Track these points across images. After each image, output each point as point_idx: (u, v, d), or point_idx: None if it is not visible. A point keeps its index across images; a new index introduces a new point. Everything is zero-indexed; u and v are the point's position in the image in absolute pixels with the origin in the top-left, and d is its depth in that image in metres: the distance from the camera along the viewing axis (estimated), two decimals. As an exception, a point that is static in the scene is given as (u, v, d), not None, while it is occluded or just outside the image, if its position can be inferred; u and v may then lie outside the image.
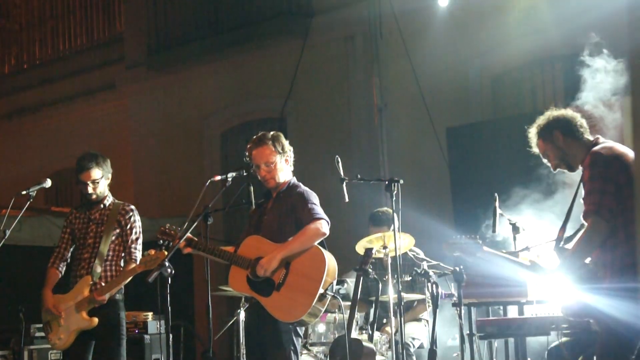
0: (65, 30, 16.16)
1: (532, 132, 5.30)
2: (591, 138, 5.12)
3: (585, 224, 4.89)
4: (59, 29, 16.25)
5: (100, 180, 6.57)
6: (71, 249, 6.73)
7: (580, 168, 5.08)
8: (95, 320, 6.34)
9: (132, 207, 6.70)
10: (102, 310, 6.38)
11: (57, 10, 16.27)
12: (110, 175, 6.67)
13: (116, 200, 6.71)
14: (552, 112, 5.26)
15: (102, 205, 6.64)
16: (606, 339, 4.80)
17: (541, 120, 5.26)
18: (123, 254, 6.59)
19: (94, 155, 6.60)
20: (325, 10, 11.92)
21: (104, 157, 6.65)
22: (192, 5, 13.23)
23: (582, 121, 5.18)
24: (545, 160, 5.29)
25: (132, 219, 6.62)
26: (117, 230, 6.57)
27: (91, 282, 6.39)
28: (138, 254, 6.55)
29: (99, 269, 6.44)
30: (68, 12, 16.09)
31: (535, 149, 5.33)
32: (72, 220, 6.74)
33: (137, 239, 6.61)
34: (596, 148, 4.96)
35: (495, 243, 7.73)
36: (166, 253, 5.81)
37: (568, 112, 5.23)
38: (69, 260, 6.73)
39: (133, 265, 6.38)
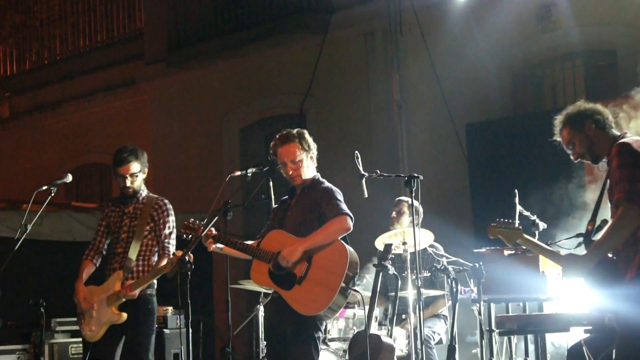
0: (85, 27, 16.23)
1: (559, 120, 5.24)
2: (618, 133, 5.10)
3: (610, 220, 4.86)
4: (80, 25, 16.32)
5: (138, 174, 6.56)
6: (107, 242, 6.72)
7: (604, 160, 5.06)
8: (124, 315, 6.34)
9: (166, 201, 6.64)
10: (133, 305, 6.37)
11: (78, 7, 16.35)
12: (147, 170, 6.65)
13: (150, 194, 6.68)
14: (584, 104, 5.21)
15: (136, 199, 6.62)
16: (627, 336, 4.77)
17: (571, 109, 5.21)
18: (156, 249, 6.57)
19: (133, 149, 6.58)
20: (344, 6, 11.92)
21: (142, 151, 6.62)
22: (211, 2, 13.25)
23: (611, 116, 5.17)
24: (568, 150, 5.21)
25: (165, 213, 6.57)
26: (151, 225, 6.54)
27: (122, 277, 6.40)
28: (172, 249, 6.49)
29: (131, 264, 6.45)
30: (89, 9, 16.16)
31: (558, 138, 5.26)
32: (108, 214, 6.72)
33: (170, 233, 6.55)
34: (624, 140, 4.96)
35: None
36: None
37: (599, 106, 5.21)
38: (104, 252, 6.72)
39: (164, 262, 6.35)
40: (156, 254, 6.56)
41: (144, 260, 6.50)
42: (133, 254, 6.45)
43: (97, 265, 6.70)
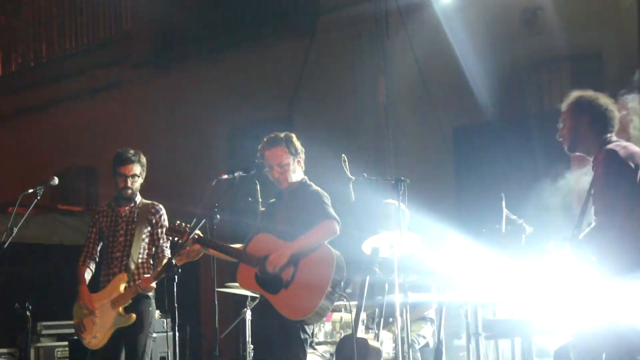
0: (72, 29, 16.16)
1: (572, 96, 5.20)
2: (612, 137, 5.06)
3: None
4: (66, 27, 16.26)
5: (138, 177, 6.61)
6: (99, 248, 6.73)
7: (591, 164, 5.06)
8: (133, 316, 6.36)
9: (161, 206, 6.79)
10: (135, 307, 6.39)
11: (64, 9, 16.29)
12: (144, 176, 6.71)
13: (144, 200, 6.73)
14: (601, 98, 5.13)
15: (133, 203, 6.65)
16: (614, 340, 4.78)
17: (585, 96, 5.16)
18: (153, 253, 6.63)
19: (136, 151, 6.65)
20: (331, 9, 11.92)
21: (143, 155, 6.70)
22: (198, 5, 13.24)
23: (616, 121, 5.10)
24: (559, 125, 5.24)
25: (162, 217, 6.71)
26: (149, 229, 6.59)
27: (126, 279, 6.41)
28: (167, 252, 6.61)
29: (132, 266, 6.46)
30: (75, 11, 16.10)
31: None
32: (98, 219, 6.74)
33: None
34: (610, 146, 4.94)
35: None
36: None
37: (609, 107, 5.09)
38: (97, 259, 6.73)
39: (160, 269, 6.42)
40: (152, 258, 6.61)
41: (144, 263, 6.54)
42: (134, 256, 6.46)
43: (93, 271, 6.70)
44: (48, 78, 16.11)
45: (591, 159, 5.11)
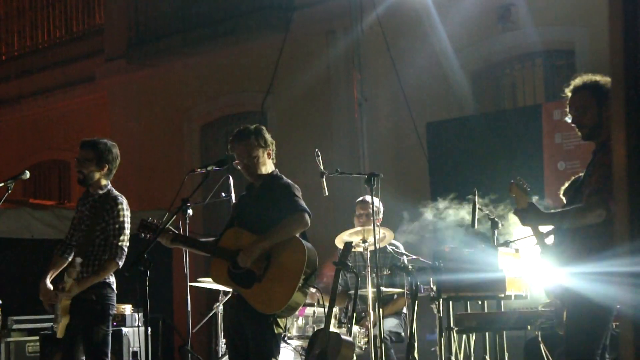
0: (44, 22, 16.07)
1: (582, 80, 4.94)
2: None
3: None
4: (38, 20, 16.16)
5: (87, 162, 6.42)
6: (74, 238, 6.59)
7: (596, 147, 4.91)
8: (67, 302, 6.21)
9: (120, 199, 6.43)
10: (86, 302, 6.27)
11: (36, 2, 16.18)
12: (105, 165, 6.45)
13: (113, 193, 6.55)
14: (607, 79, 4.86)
15: (95, 197, 6.50)
16: (574, 330, 4.79)
17: (603, 81, 4.87)
18: (108, 248, 6.42)
19: (93, 139, 6.50)
20: (306, 4, 11.92)
21: (107, 145, 6.52)
22: (172, -2, 13.19)
23: None
24: (571, 112, 4.93)
25: (115, 213, 6.37)
26: (102, 225, 6.43)
27: (73, 275, 6.28)
28: (119, 250, 6.33)
29: (77, 262, 6.30)
30: (47, 4, 16.00)
31: (567, 93, 4.98)
32: (77, 209, 6.62)
33: (119, 232, 6.36)
34: None
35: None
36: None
37: None
38: (74, 245, 6.57)
39: (109, 268, 6.29)
40: (107, 253, 6.40)
41: (95, 258, 6.36)
42: (82, 251, 6.33)
43: (67, 259, 6.53)
44: (20, 72, 16.02)
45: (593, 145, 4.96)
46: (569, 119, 4.98)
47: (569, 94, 4.97)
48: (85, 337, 6.28)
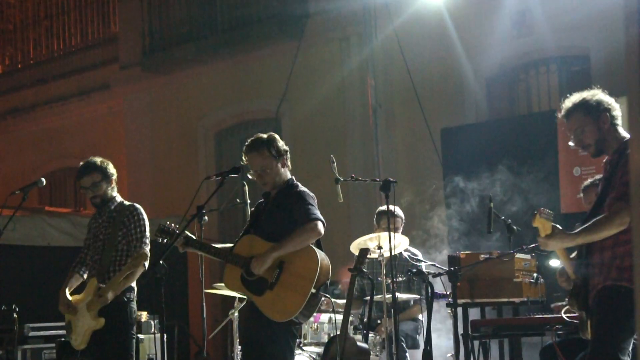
0: (59, 31, 16.14)
1: (571, 102, 4.97)
2: (622, 131, 4.93)
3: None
4: (54, 29, 16.24)
5: (98, 184, 6.57)
6: (91, 253, 6.72)
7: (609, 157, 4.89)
8: (102, 320, 6.32)
9: (137, 206, 6.63)
10: (111, 310, 6.35)
11: (52, 11, 16.26)
12: (113, 179, 6.65)
13: (125, 202, 6.68)
14: (601, 94, 4.94)
15: (110, 208, 6.64)
16: (600, 340, 4.78)
17: (589, 95, 4.93)
18: (132, 251, 6.56)
19: (89, 162, 6.62)
20: (320, 11, 11.93)
21: (102, 162, 6.65)
22: (187, 6, 13.23)
23: (621, 113, 4.98)
24: (572, 136, 4.97)
25: (136, 217, 6.56)
26: (123, 231, 6.55)
27: (96, 284, 6.39)
28: (146, 250, 6.48)
29: (104, 270, 6.43)
30: (63, 13, 16.07)
31: (560, 115, 5.02)
32: (90, 225, 6.77)
33: (141, 237, 6.53)
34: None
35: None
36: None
37: (613, 100, 4.92)
38: (89, 263, 6.71)
39: (125, 267, 6.38)
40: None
41: (118, 266, 6.49)
42: (106, 260, 6.44)
43: (83, 276, 6.67)
44: (36, 80, 16.10)
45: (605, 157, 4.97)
46: (572, 143, 5.04)
47: (565, 120, 5.02)
48: (113, 342, 6.35)
